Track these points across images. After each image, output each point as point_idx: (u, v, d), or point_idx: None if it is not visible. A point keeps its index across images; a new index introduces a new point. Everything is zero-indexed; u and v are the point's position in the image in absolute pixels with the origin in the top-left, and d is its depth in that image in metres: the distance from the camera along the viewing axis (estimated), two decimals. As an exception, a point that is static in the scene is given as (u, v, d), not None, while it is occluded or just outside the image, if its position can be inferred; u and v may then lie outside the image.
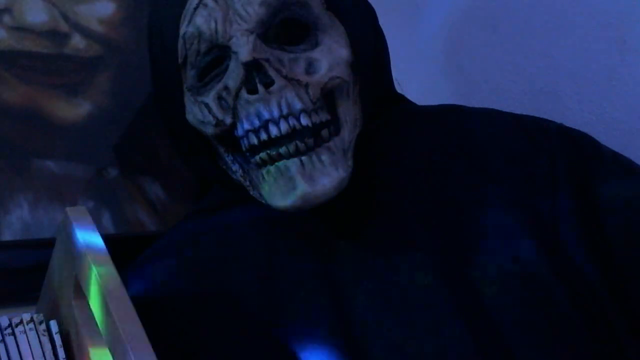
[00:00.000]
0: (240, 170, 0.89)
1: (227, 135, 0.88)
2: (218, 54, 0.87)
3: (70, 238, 0.83)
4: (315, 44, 0.88)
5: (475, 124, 0.94)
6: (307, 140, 0.84)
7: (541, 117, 0.94)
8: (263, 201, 0.87)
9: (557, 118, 0.95)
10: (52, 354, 0.82)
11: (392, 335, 0.83)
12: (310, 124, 0.85)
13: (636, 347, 0.84)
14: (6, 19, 1.04)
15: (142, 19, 1.06)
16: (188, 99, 0.90)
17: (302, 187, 0.83)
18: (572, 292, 0.83)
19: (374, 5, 0.97)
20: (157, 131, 1.06)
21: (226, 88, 0.86)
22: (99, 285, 0.77)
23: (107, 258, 0.80)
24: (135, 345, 0.72)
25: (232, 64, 0.86)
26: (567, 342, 0.82)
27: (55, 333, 0.83)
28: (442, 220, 0.87)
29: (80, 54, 1.08)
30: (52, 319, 0.84)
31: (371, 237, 0.88)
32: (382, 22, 0.97)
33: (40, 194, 1.03)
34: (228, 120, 0.87)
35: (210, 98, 0.87)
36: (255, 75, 0.84)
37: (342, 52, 0.88)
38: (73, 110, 1.07)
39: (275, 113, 0.84)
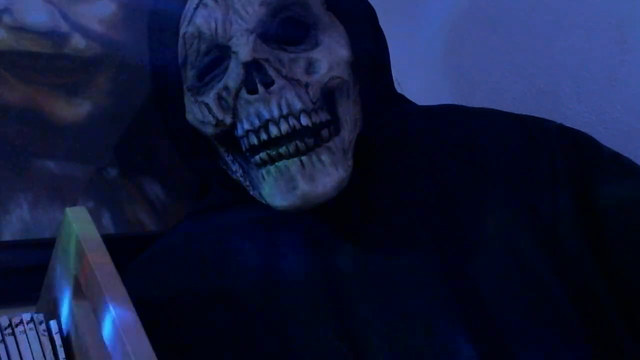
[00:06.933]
0: (240, 170, 0.90)
1: (227, 135, 0.88)
2: (218, 54, 0.87)
3: (70, 238, 0.83)
4: (315, 44, 0.88)
5: (475, 124, 0.94)
6: (307, 140, 0.84)
7: (541, 117, 0.94)
8: (263, 201, 0.87)
9: (557, 118, 0.95)
10: (52, 354, 0.82)
11: (392, 334, 0.82)
12: (310, 124, 0.85)
13: (636, 346, 0.84)
14: (6, 19, 1.04)
15: (142, 19, 1.06)
16: (188, 99, 0.90)
17: (302, 187, 0.83)
18: (571, 291, 0.83)
19: (374, 5, 0.97)
20: (157, 131, 1.06)
21: (226, 88, 0.86)
22: (99, 286, 0.77)
23: (107, 258, 0.80)
24: (135, 346, 0.72)
25: (232, 64, 0.86)
26: (566, 341, 0.82)
27: (55, 333, 0.83)
28: (442, 219, 0.87)
29: (80, 54, 1.08)
30: (52, 319, 0.84)
31: (371, 236, 0.88)
32: (382, 22, 0.97)
33: (40, 194, 1.03)
34: (228, 120, 0.87)
35: (210, 98, 0.87)
36: (255, 75, 0.84)
37: (342, 52, 0.88)
38: (73, 110, 1.07)
39: (275, 113, 0.84)
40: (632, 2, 1.01)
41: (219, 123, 0.87)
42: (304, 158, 0.84)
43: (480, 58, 1.18)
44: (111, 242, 0.83)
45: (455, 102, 1.00)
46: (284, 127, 0.84)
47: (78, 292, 0.82)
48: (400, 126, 0.96)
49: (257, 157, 0.86)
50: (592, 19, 1.04)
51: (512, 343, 0.81)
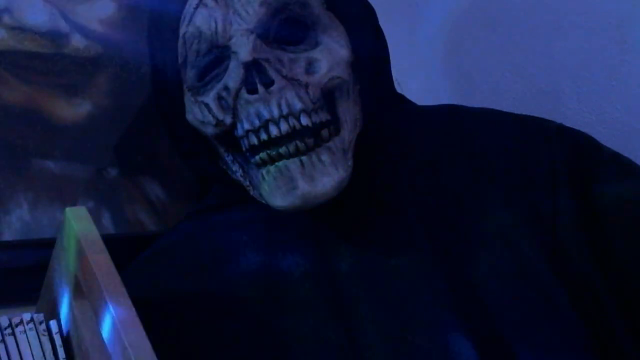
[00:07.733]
0: (240, 170, 0.90)
1: (227, 135, 0.88)
2: (218, 54, 0.87)
3: (70, 238, 0.83)
4: (315, 44, 0.88)
5: (475, 124, 0.94)
6: (307, 140, 0.85)
7: (541, 117, 0.94)
8: (263, 201, 0.87)
9: (557, 118, 0.95)
10: (52, 354, 0.82)
11: (392, 334, 0.83)
12: (310, 124, 0.85)
13: (636, 347, 0.83)
14: (6, 19, 1.04)
15: (142, 19, 1.06)
16: (188, 99, 0.90)
17: (302, 187, 0.83)
18: (571, 291, 0.83)
19: (374, 5, 0.97)
20: (157, 131, 1.06)
21: (226, 88, 0.86)
22: (99, 285, 0.77)
23: (107, 258, 0.80)
24: (135, 345, 0.72)
25: (232, 64, 0.86)
26: (566, 340, 0.82)
27: (55, 333, 0.83)
28: (442, 220, 0.87)
29: (80, 54, 1.08)
30: (52, 319, 0.84)
31: (371, 237, 0.88)
32: (382, 22, 0.97)
33: (40, 194, 1.03)
34: (228, 120, 0.87)
35: (210, 98, 0.87)
36: (255, 75, 0.84)
37: (342, 52, 0.88)
38: (73, 110, 1.07)
39: (275, 113, 0.84)
40: (632, 2, 1.01)
41: (219, 123, 0.87)
42: (304, 158, 0.84)
43: (480, 58, 1.18)
44: (111, 242, 0.83)
45: (455, 102, 1.00)
46: (284, 127, 0.84)
47: (78, 292, 0.82)
48: (400, 126, 0.96)
49: (257, 157, 0.86)
50: (592, 19, 1.04)
51: (512, 343, 0.81)
